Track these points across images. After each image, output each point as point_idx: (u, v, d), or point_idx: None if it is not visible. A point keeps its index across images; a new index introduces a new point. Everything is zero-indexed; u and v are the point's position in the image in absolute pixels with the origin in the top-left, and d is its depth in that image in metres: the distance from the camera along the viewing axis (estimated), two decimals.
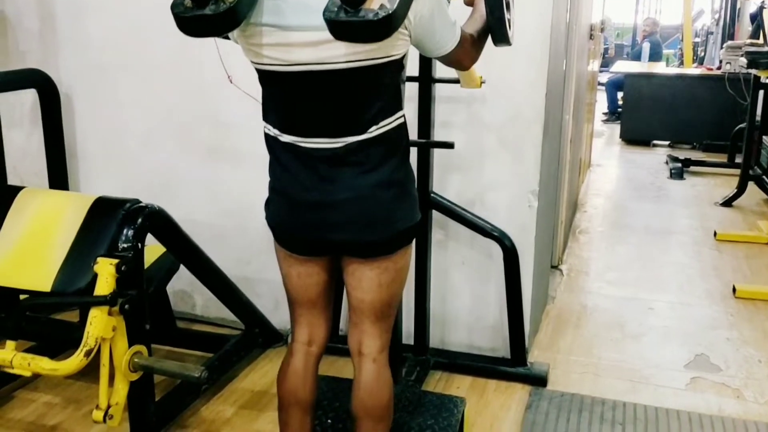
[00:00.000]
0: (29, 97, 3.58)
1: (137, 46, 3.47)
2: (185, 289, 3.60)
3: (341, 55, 1.73)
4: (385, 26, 1.62)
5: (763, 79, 6.00)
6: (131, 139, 3.58)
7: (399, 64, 1.84)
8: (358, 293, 2.01)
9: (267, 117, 1.94)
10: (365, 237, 1.91)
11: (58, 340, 2.69)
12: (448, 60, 1.99)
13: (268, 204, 2.04)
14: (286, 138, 1.89)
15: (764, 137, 6.36)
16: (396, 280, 2.01)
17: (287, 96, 1.86)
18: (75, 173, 3.68)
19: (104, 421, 2.32)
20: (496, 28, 1.96)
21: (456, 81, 2.72)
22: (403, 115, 1.93)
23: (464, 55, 1.97)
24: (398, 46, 1.78)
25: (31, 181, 3.49)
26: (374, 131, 1.84)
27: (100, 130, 3.64)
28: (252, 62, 1.86)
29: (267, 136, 1.95)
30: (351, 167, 1.86)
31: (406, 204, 1.95)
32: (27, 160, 3.65)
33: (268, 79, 1.87)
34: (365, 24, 1.60)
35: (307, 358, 2.12)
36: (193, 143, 3.48)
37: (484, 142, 3.06)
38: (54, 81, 3.42)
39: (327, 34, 1.65)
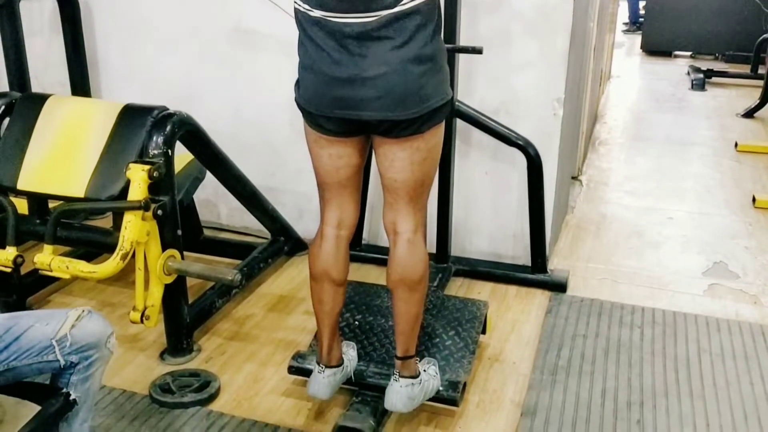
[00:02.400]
0: (49, 4, 3.55)
1: None
2: (210, 199, 3.65)
3: None
4: None
5: None
6: (152, 47, 3.56)
7: None
8: (391, 173, 2.03)
9: None
10: (397, 114, 1.91)
11: (93, 245, 2.76)
12: None
13: (298, 84, 2.04)
14: (315, 13, 1.88)
15: None
16: (428, 159, 2.03)
17: None
18: (96, 82, 3.68)
19: (141, 321, 2.42)
20: None
21: None
22: None
23: None
24: None
25: (53, 90, 3.48)
26: (407, 3, 1.83)
27: (121, 39, 3.61)
28: None
29: (297, 11, 1.95)
30: (382, 42, 1.86)
31: (437, 79, 1.95)
32: (49, 69, 3.65)
33: None
34: None
35: (338, 241, 2.17)
36: (216, 52, 3.45)
37: (510, 49, 3.03)
38: None
39: None
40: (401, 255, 2.10)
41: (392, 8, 1.83)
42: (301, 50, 1.99)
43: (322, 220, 2.19)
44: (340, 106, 1.95)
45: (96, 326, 1.66)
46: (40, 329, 1.61)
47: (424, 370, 2.27)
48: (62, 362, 1.61)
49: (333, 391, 2.27)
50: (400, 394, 2.17)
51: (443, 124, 2.06)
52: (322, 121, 2.02)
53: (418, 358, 2.26)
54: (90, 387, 1.68)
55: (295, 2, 1.94)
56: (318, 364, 2.26)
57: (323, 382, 2.24)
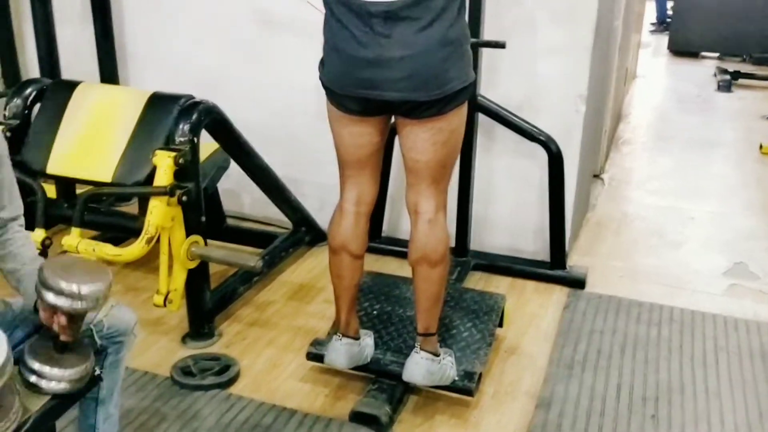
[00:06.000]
0: None
1: None
2: (233, 188, 3.69)
3: None
4: None
5: None
6: (180, 37, 3.61)
7: None
8: (413, 154, 2.07)
9: None
10: (419, 95, 1.95)
11: (118, 230, 2.82)
12: None
13: (323, 63, 2.08)
14: None
15: None
16: (450, 141, 2.06)
17: None
18: (125, 70, 3.74)
19: (164, 305, 2.47)
20: None
21: None
22: None
23: None
24: None
25: (82, 77, 3.54)
26: None
27: (149, 27, 3.67)
28: None
29: None
30: (407, 22, 1.89)
31: (461, 63, 1.98)
32: (78, 57, 3.70)
33: None
34: None
35: (357, 217, 2.21)
36: (242, 42, 3.50)
37: (534, 44, 3.04)
38: None
39: None
40: (422, 234, 2.14)
41: None
42: (326, 30, 2.03)
43: (342, 197, 2.23)
44: (363, 86, 1.99)
45: (125, 314, 1.79)
46: None
47: (442, 359, 2.30)
48: (98, 344, 1.71)
49: (350, 363, 2.31)
50: (419, 366, 2.20)
51: (465, 105, 2.08)
52: (345, 100, 2.06)
53: (438, 339, 2.28)
54: (119, 370, 1.81)
55: None
56: (336, 333, 2.30)
57: (341, 349, 2.28)
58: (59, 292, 1.50)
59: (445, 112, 2.00)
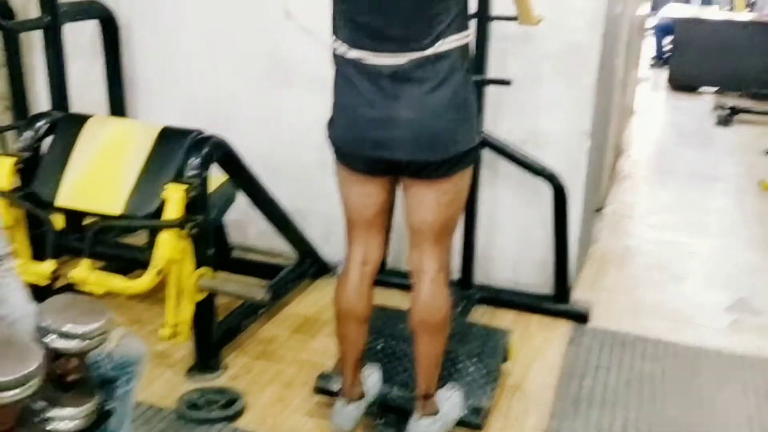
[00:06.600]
0: (89, 27, 3.66)
1: None
2: (239, 220, 3.71)
3: None
4: None
5: None
6: (189, 70, 3.65)
7: None
8: (418, 215, 2.09)
9: (336, 32, 2.00)
10: (426, 156, 1.97)
11: (126, 261, 2.83)
12: None
13: (331, 122, 2.11)
14: (353, 54, 1.95)
15: None
16: (455, 202, 2.09)
17: (358, 10, 1.92)
18: (134, 103, 3.78)
19: (171, 337, 2.47)
20: None
21: (513, 18, 2.73)
22: (469, 35, 1.99)
23: None
24: None
25: (91, 110, 3.57)
26: (440, 46, 1.89)
27: (158, 61, 3.71)
28: None
29: (334, 51, 2.01)
30: (415, 84, 1.92)
31: (467, 125, 2.01)
32: (87, 90, 3.74)
33: None
34: None
35: (363, 277, 2.22)
36: (250, 76, 3.54)
37: (538, 81, 3.08)
38: (113, 12, 3.50)
39: None
40: (425, 296, 2.15)
41: (426, 50, 1.89)
42: (335, 90, 2.06)
43: (348, 258, 2.24)
44: (372, 147, 2.01)
45: (134, 345, 1.81)
46: None
47: (447, 399, 2.30)
48: (108, 376, 1.72)
49: (356, 424, 2.33)
50: None
51: (471, 168, 2.11)
52: (353, 159, 2.08)
53: (438, 395, 2.29)
54: (130, 400, 1.81)
55: (333, 43, 2.01)
56: (341, 397, 2.31)
57: (347, 415, 2.30)
58: (65, 335, 1.53)
59: (451, 174, 2.02)
